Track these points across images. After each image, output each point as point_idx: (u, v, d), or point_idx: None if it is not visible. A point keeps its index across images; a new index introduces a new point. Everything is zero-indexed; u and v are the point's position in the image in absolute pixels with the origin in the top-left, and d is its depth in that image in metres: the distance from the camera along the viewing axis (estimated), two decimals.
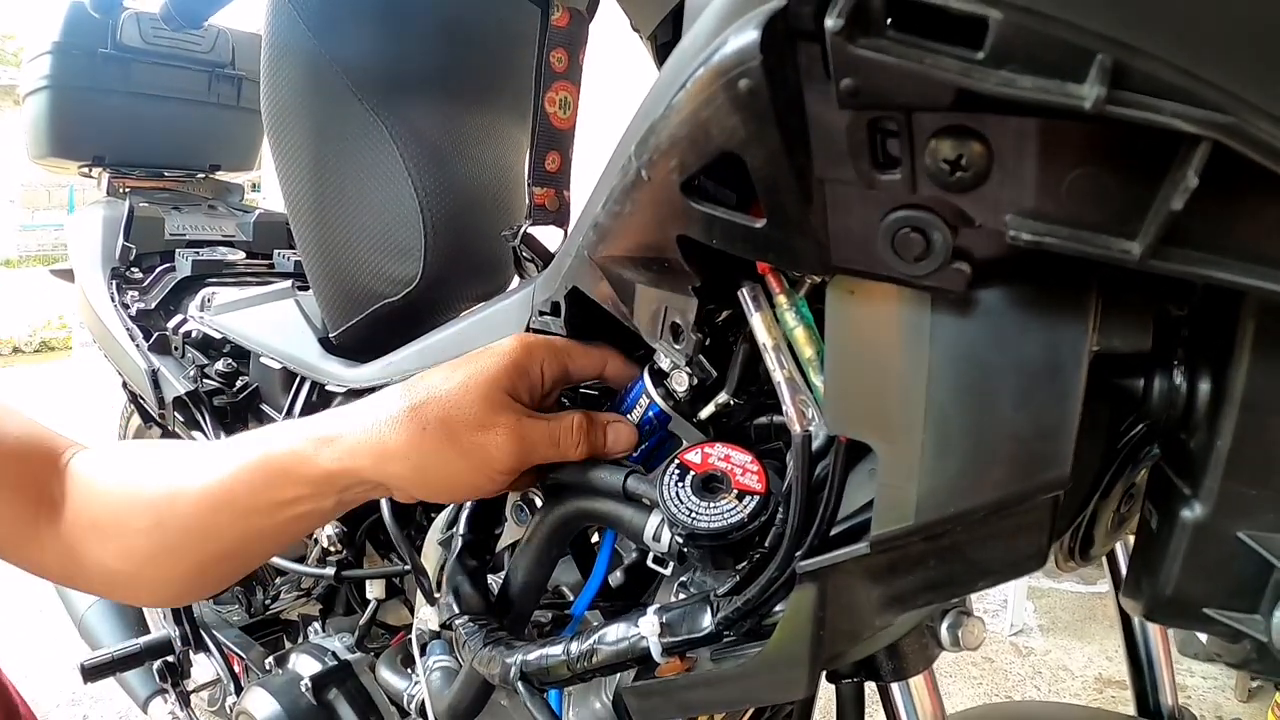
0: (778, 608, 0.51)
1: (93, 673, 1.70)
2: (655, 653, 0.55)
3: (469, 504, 0.78)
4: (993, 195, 0.33)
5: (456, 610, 0.71)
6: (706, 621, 0.53)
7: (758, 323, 0.48)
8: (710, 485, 0.56)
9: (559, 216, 0.86)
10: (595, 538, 0.89)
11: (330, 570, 1.16)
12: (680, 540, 0.54)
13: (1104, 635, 3.15)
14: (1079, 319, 0.38)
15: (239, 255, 1.81)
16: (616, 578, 0.84)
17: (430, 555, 0.96)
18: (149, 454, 0.71)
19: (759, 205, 0.38)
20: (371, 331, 1.13)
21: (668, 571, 0.65)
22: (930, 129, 0.32)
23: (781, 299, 0.47)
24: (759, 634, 0.52)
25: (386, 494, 0.67)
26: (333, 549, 1.14)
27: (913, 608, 0.49)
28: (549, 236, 0.87)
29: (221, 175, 2.38)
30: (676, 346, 0.55)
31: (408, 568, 1.10)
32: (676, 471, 0.57)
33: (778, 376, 0.47)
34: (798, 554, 0.46)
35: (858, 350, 0.42)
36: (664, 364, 0.66)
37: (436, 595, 0.98)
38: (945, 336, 0.39)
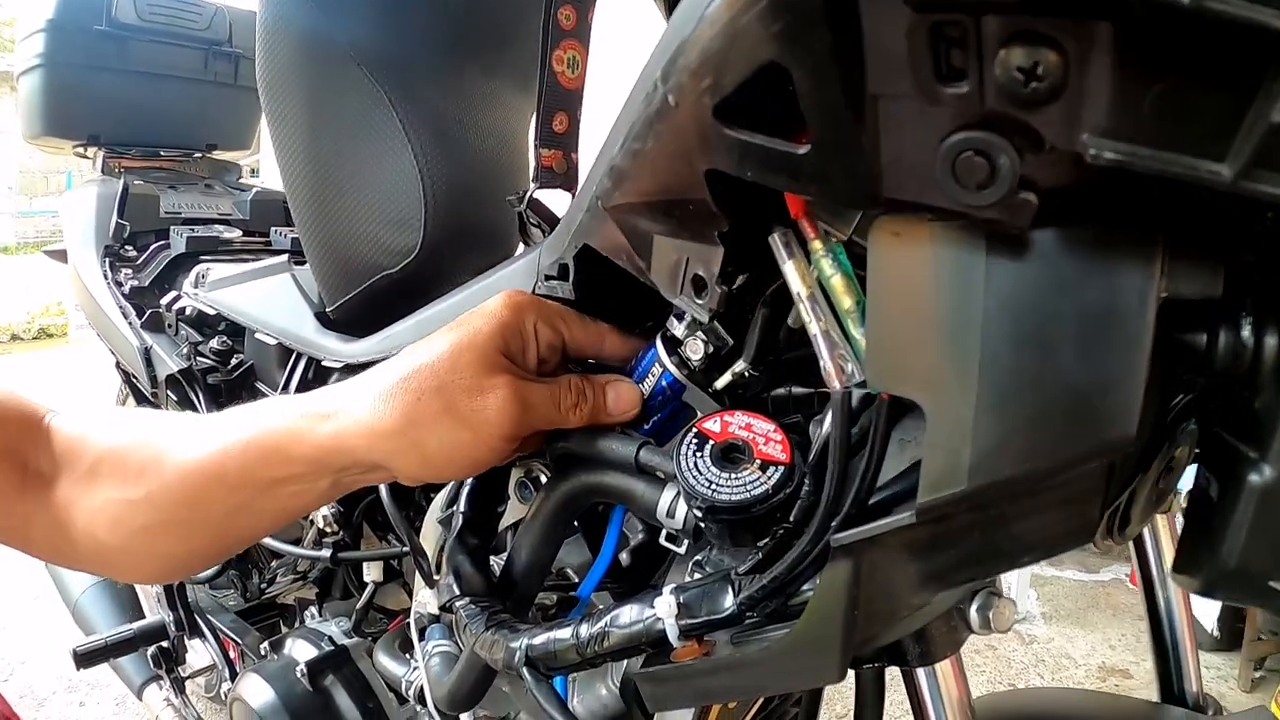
0: (805, 587, 0.48)
1: (85, 658, 1.67)
2: (671, 636, 0.51)
3: (469, 481, 0.74)
4: (1068, 111, 0.29)
5: (457, 592, 0.67)
6: (728, 602, 0.50)
7: (791, 271, 0.44)
8: (731, 455, 0.52)
9: (567, 180, 0.82)
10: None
11: (326, 552, 1.12)
12: (699, 514, 0.50)
13: (1106, 624, 3.13)
14: (1147, 261, 0.35)
15: (235, 233, 1.77)
16: (624, 558, 0.80)
17: (429, 535, 0.92)
18: (137, 420, 0.67)
19: (799, 133, 0.34)
20: (370, 305, 1.09)
21: (681, 550, 0.61)
22: (1001, 35, 0.29)
23: (817, 245, 0.43)
24: (784, 615, 0.48)
25: (387, 478, 0.64)
26: (329, 530, 1.10)
27: (952, 585, 0.45)
28: (556, 203, 0.83)
29: (219, 155, 2.34)
30: (699, 301, 0.51)
31: (406, 549, 1.06)
32: (694, 441, 0.53)
33: (814, 329, 0.42)
34: (833, 525, 0.42)
35: (903, 299, 0.38)
36: (678, 330, 0.63)
37: (436, 577, 0.94)
38: (1001, 282, 0.36)
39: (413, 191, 1.02)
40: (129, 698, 1.96)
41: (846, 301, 0.42)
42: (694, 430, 0.54)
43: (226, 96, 2.30)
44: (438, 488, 0.92)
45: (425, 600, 0.96)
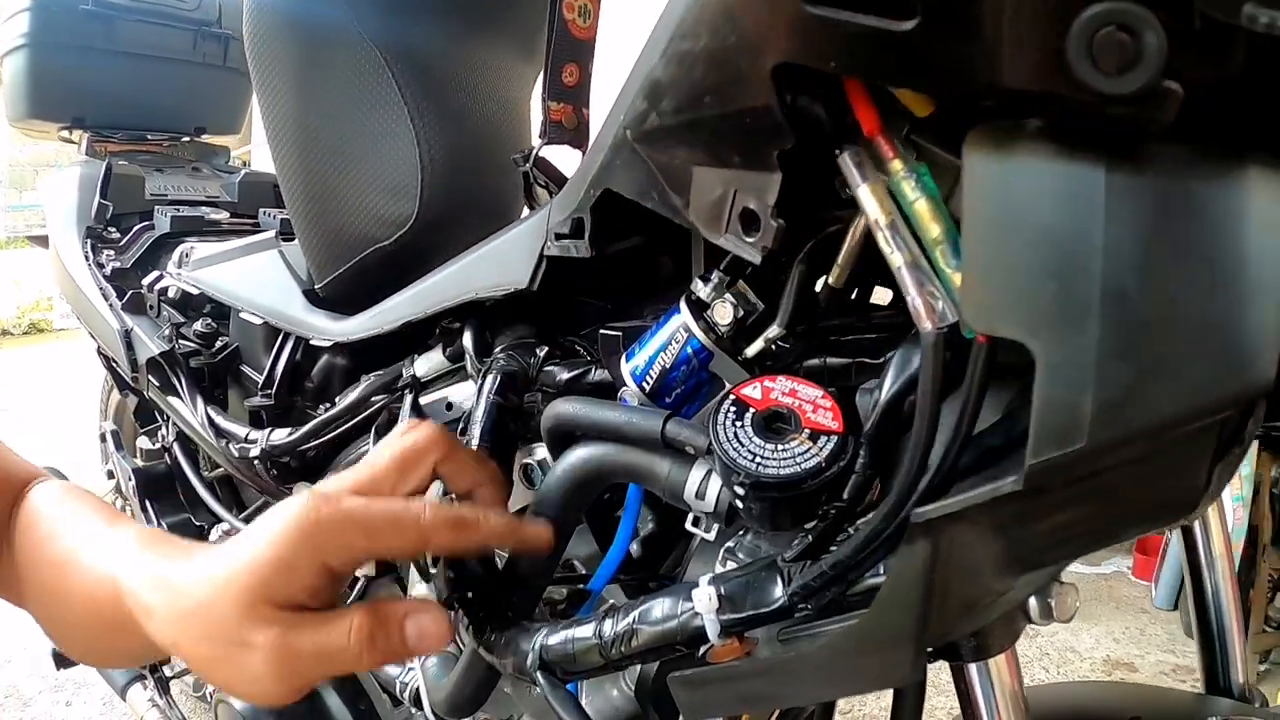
0: (866, 577, 0.41)
1: (64, 658, 1.60)
2: (711, 632, 0.44)
3: None
4: None
5: (459, 586, 0.60)
6: (777, 592, 0.43)
7: (867, 196, 0.37)
8: (775, 425, 0.46)
9: (576, 136, 0.76)
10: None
11: None
12: (741, 493, 0.44)
13: (1110, 617, 3.08)
14: None
15: (222, 215, 1.70)
16: (634, 549, 0.74)
17: None
18: (73, 520, 0.63)
19: (897, 11, 0.28)
20: (361, 281, 1.02)
21: (710, 536, 0.55)
22: None
23: (896, 165, 0.36)
24: (839, 607, 0.42)
25: None
26: None
27: (1039, 567, 0.39)
28: (565, 164, 0.76)
29: (207, 138, 2.27)
30: (748, 240, 0.44)
31: None
32: (733, 409, 0.46)
33: (897, 261, 0.36)
34: (914, 498, 0.35)
35: (1006, 223, 0.32)
36: (703, 293, 0.56)
37: (431, 571, 0.88)
38: (1125, 203, 0.30)
39: (409, 158, 0.95)
40: (116, 697, 1.89)
41: (934, 230, 0.35)
42: (731, 398, 0.47)
43: (215, 79, 2.22)
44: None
45: (421, 595, 0.89)
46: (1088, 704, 0.78)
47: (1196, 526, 0.81)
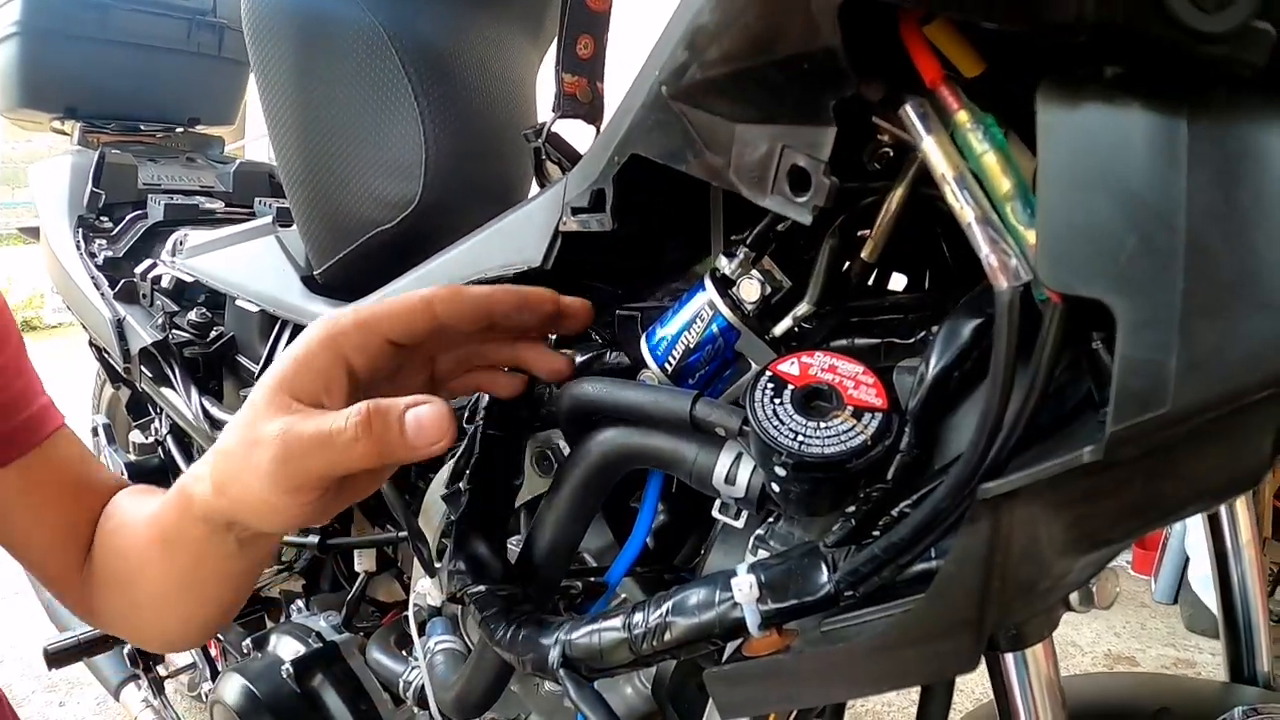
0: (917, 561, 0.38)
1: (57, 658, 1.57)
2: (752, 624, 0.41)
3: (476, 452, 0.64)
4: None
5: (470, 580, 0.57)
6: (822, 579, 0.40)
7: (932, 148, 0.34)
8: (814, 403, 0.43)
9: (591, 110, 0.73)
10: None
11: (314, 539, 1.02)
12: (783, 473, 0.40)
13: (1110, 611, 3.05)
14: None
15: (217, 204, 1.67)
16: (647, 541, 0.71)
17: (430, 517, 0.82)
18: (148, 502, 0.66)
19: None
20: (362, 266, 0.99)
21: (739, 523, 0.52)
22: None
23: (962, 116, 0.33)
24: (886, 595, 0.39)
25: (270, 538, 0.62)
26: None
27: (1101, 546, 0.36)
28: (576, 139, 0.74)
29: (202, 129, 2.23)
30: (798, 200, 0.41)
31: (402, 534, 0.96)
32: (770, 386, 0.43)
33: (967, 217, 0.33)
34: (981, 473, 0.32)
35: (1084, 177, 0.30)
36: (728, 269, 0.53)
37: (436, 565, 0.85)
38: (1207, 153, 0.28)
39: (412, 137, 0.92)
40: (109, 698, 1.86)
41: (1004, 184, 0.33)
42: (768, 374, 0.44)
43: (210, 68, 2.19)
44: (436, 467, 0.82)
45: (425, 591, 0.86)
46: (1116, 695, 0.76)
47: (1223, 514, 0.79)
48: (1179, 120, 0.28)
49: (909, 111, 0.35)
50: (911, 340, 0.52)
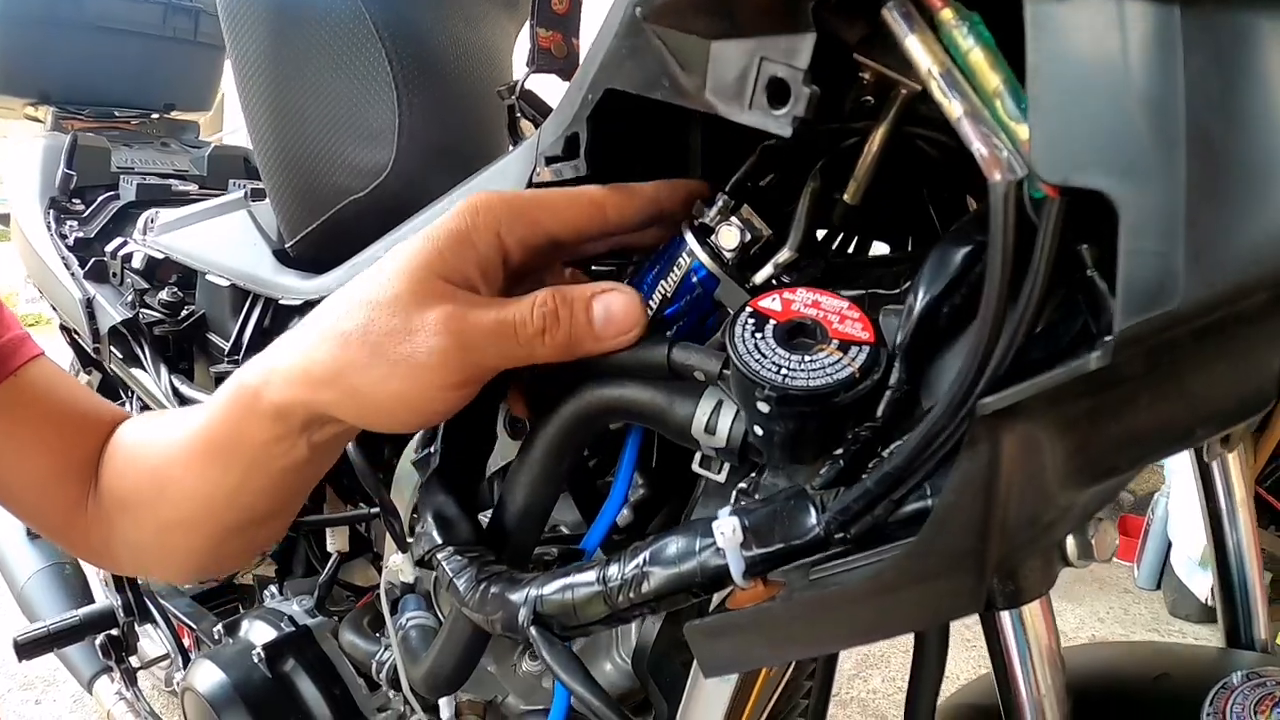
0: (910, 500, 0.36)
1: (27, 649, 1.54)
2: (736, 571, 0.39)
3: None
4: None
5: (439, 540, 0.54)
6: (811, 521, 0.37)
7: (916, 46, 0.32)
8: (797, 339, 0.40)
9: (566, 66, 0.70)
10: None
11: None
12: (766, 408, 0.38)
13: (1094, 597, 3.09)
14: None
15: (191, 187, 1.64)
16: (625, 516, 0.68)
17: (403, 490, 0.80)
18: (168, 418, 0.63)
19: None
20: (335, 236, 0.96)
21: (721, 476, 0.49)
22: None
23: (947, 14, 0.31)
24: (880, 538, 0.36)
25: (351, 433, 0.55)
26: None
27: (1106, 475, 0.34)
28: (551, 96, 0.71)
29: (177, 115, 2.20)
30: (778, 113, 0.39)
31: (374, 510, 0.94)
32: (751, 321, 0.41)
33: (955, 112, 0.31)
34: (980, 387, 0.30)
35: (1077, 65, 0.28)
36: (707, 216, 0.51)
37: (408, 540, 0.82)
38: (1202, 37, 0.27)
39: (386, 102, 0.90)
40: (86, 695, 1.84)
41: (992, 80, 0.30)
42: (748, 309, 0.42)
43: (186, 54, 2.16)
44: (408, 438, 0.80)
45: (398, 566, 0.84)
46: (1116, 664, 0.75)
47: (1217, 480, 0.78)
48: (1171, 4, 0.27)
49: (891, 11, 0.33)
50: (896, 291, 0.51)
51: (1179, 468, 2.78)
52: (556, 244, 0.49)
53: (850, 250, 0.63)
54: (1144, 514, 3.12)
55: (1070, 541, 0.47)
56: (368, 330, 0.46)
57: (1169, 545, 2.91)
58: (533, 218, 0.48)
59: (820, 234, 0.59)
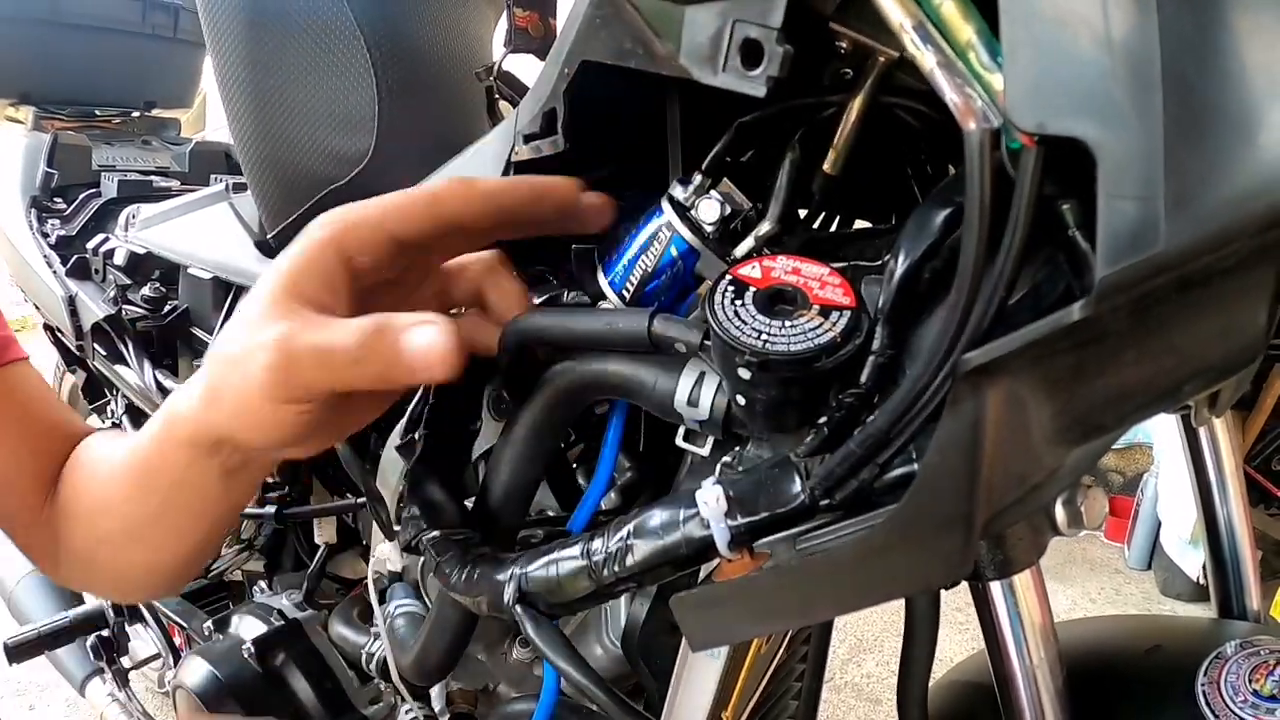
0: (895, 465, 0.35)
1: (17, 652, 1.53)
2: (720, 542, 0.38)
3: (431, 398, 0.61)
4: None
5: (425, 525, 0.54)
6: (796, 489, 0.37)
7: (887, 0, 0.32)
8: (777, 306, 0.40)
9: (543, 46, 0.70)
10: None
11: (271, 509, 0.99)
12: (748, 375, 0.38)
13: (1085, 578, 3.09)
14: None
15: (173, 183, 1.63)
16: (611, 500, 0.68)
17: (388, 478, 0.79)
18: (121, 440, 0.63)
19: None
20: None
21: (705, 450, 0.49)
22: None
23: None
24: (867, 504, 0.36)
25: (259, 462, 0.57)
26: (273, 481, 0.96)
27: (1094, 434, 0.34)
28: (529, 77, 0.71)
29: (158, 113, 2.19)
30: (751, 74, 0.38)
31: (361, 500, 0.93)
32: (731, 289, 0.40)
33: (928, 63, 0.30)
34: (963, 341, 0.30)
35: (1050, 13, 0.28)
36: (682, 194, 0.51)
37: (395, 528, 0.82)
38: None
39: (364, 87, 0.89)
40: (80, 700, 1.83)
41: (964, 32, 0.30)
42: (727, 277, 0.41)
43: (166, 51, 2.15)
44: (393, 424, 0.79)
45: (385, 555, 0.83)
46: (1107, 637, 0.76)
47: (1206, 451, 0.78)
48: None
49: None
50: (878, 262, 0.50)
51: (1168, 447, 2.79)
52: (403, 245, 0.49)
53: (832, 228, 0.63)
54: (1133, 494, 3.14)
55: (1059, 509, 0.47)
56: (232, 349, 0.47)
57: (1159, 525, 2.93)
58: (373, 223, 0.48)
59: (802, 213, 0.59)
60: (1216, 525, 0.78)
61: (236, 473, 0.55)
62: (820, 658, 0.77)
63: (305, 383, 0.45)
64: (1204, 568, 2.74)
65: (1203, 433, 0.77)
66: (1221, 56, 0.26)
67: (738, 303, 0.39)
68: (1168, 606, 2.90)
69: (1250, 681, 0.60)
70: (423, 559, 0.75)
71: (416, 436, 0.61)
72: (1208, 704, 0.59)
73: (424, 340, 0.44)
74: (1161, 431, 2.82)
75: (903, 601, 0.61)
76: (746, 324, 0.38)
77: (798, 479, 0.37)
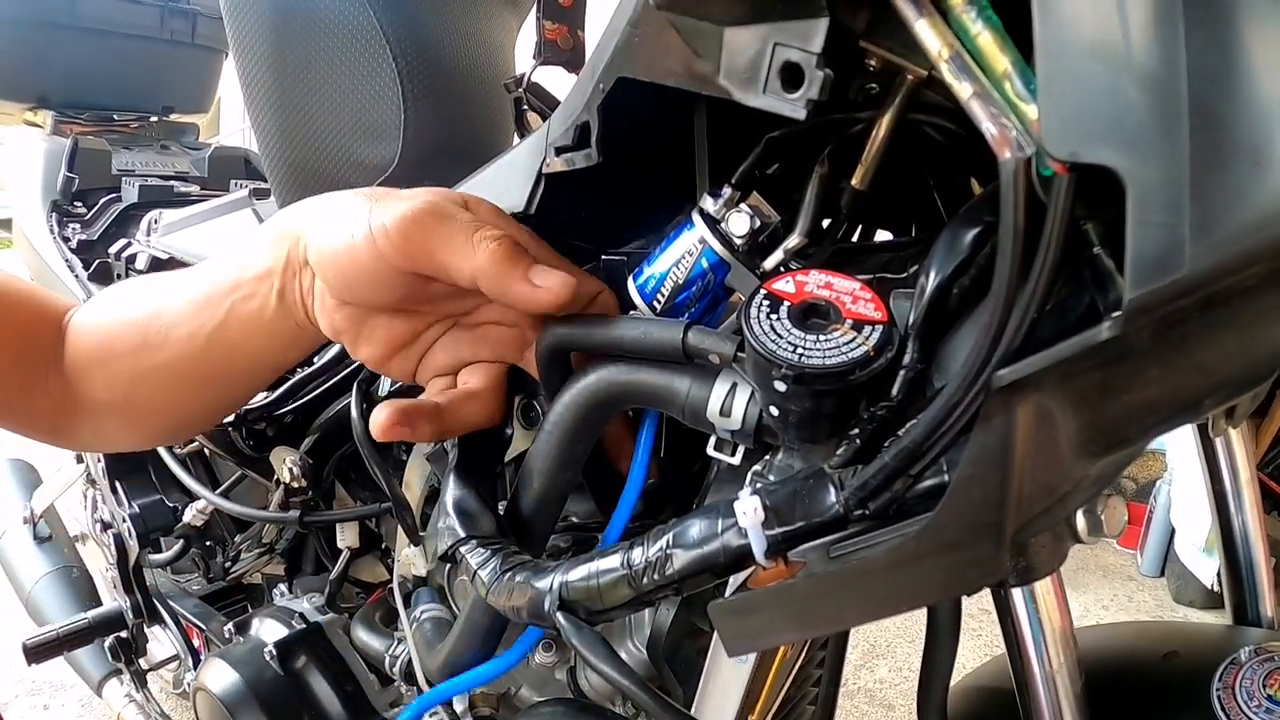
0: (926, 476, 0.36)
1: (37, 652, 1.54)
2: (758, 550, 0.39)
3: None
4: None
5: (462, 534, 0.55)
6: (831, 499, 0.38)
7: (925, 29, 0.33)
8: (811, 320, 0.41)
9: (572, 58, 0.71)
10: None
11: (294, 514, 1.00)
12: (783, 387, 0.39)
13: (1098, 585, 3.10)
14: None
15: (193, 188, 1.64)
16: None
17: (414, 483, 0.80)
18: (149, 281, 0.67)
19: None
20: None
21: (736, 459, 0.50)
22: None
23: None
24: (897, 514, 0.37)
25: (313, 291, 0.59)
26: (297, 486, 0.97)
27: (1119, 446, 0.35)
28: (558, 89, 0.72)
29: (176, 118, 2.20)
30: (791, 96, 0.39)
31: (384, 504, 0.94)
32: (766, 303, 0.42)
33: (964, 93, 0.31)
34: (995, 359, 0.31)
35: (1082, 45, 0.29)
36: (713, 208, 0.52)
37: (420, 533, 0.83)
38: (1203, 14, 0.28)
39: (391, 98, 0.90)
40: (95, 700, 1.83)
41: (1000, 63, 0.31)
42: (762, 292, 0.42)
43: (184, 56, 2.16)
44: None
45: (410, 560, 0.84)
46: (1124, 643, 0.76)
47: (1222, 459, 0.79)
48: None
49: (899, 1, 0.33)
50: (904, 275, 0.51)
51: (1181, 455, 2.78)
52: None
53: (854, 239, 0.64)
54: (1147, 501, 3.13)
55: (1080, 518, 0.48)
56: (355, 195, 0.55)
57: (1172, 532, 2.92)
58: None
59: (825, 224, 0.60)
60: (1231, 532, 0.78)
61: (291, 306, 0.59)
62: (838, 663, 0.78)
63: (429, 245, 0.51)
64: (1218, 575, 2.74)
65: (1218, 441, 0.77)
66: (1245, 89, 0.27)
67: (773, 317, 0.41)
68: (1180, 614, 2.89)
69: (1265, 687, 0.61)
70: (448, 565, 0.76)
71: (448, 446, 0.63)
72: (1223, 709, 0.60)
73: (547, 271, 0.51)
74: (1175, 439, 2.81)
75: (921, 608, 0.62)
76: (782, 338, 0.39)
77: (832, 490, 0.38)
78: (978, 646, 2.57)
